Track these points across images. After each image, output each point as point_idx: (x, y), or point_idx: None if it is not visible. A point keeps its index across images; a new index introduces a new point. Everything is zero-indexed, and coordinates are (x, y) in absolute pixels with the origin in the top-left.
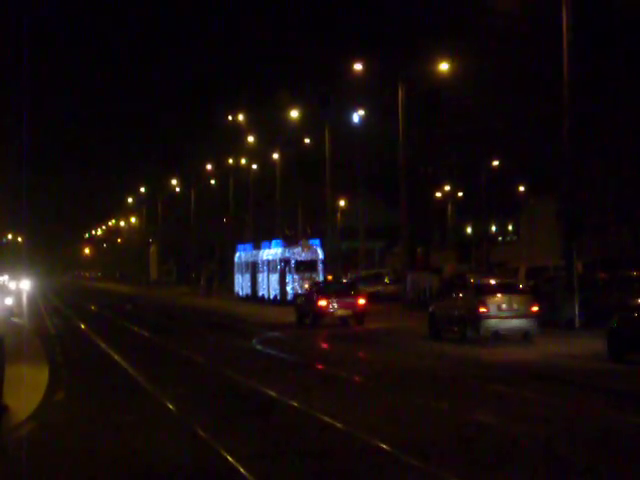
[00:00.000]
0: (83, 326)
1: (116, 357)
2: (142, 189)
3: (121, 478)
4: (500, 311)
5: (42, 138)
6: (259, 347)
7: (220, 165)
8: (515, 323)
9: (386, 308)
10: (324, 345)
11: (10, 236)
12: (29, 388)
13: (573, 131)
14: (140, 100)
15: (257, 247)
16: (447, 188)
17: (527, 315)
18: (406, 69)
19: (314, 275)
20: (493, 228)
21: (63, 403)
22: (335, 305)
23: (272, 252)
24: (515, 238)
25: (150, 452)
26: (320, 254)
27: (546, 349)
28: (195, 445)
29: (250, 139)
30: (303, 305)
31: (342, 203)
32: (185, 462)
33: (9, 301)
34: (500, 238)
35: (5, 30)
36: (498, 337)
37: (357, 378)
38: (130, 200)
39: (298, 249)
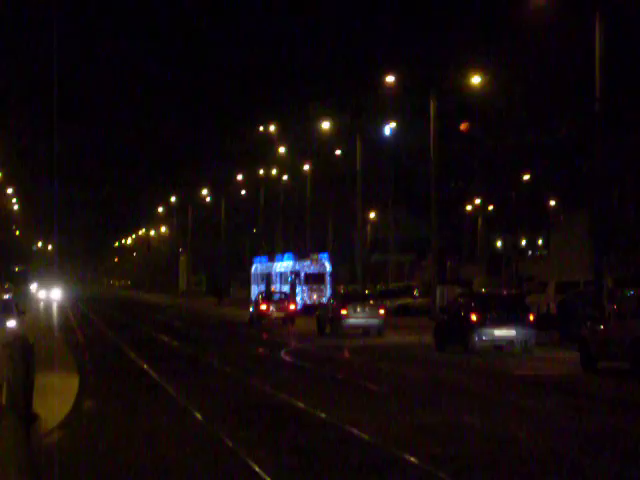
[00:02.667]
0: (112, 335)
1: (145, 366)
2: (173, 199)
3: None
4: (355, 313)
5: (73, 146)
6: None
7: (251, 176)
8: (365, 321)
9: (413, 321)
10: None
11: (40, 244)
12: (59, 396)
13: (604, 147)
14: (172, 110)
15: (271, 259)
16: (477, 201)
17: (376, 316)
18: (438, 82)
19: (322, 287)
20: (523, 242)
21: (93, 412)
22: (273, 309)
23: (284, 265)
24: (545, 253)
25: (180, 463)
26: (328, 267)
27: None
28: (224, 455)
29: (281, 150)
30: (253, 308)
31: (372, 215)
32: (215, 473)
33: (12, 324)
34: (530, 252)
35: (36, 33)
36: (360, 332)
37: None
38: (160, 210)
39: (307, 262)
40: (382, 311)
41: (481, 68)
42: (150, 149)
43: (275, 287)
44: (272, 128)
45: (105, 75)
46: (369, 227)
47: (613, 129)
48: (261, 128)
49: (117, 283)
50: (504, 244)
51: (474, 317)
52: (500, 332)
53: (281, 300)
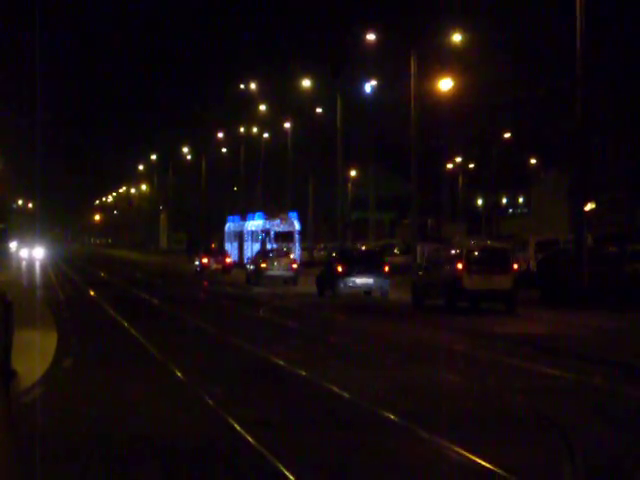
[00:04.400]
0: (92, 293)
1: (125, 324)
2: (153, 156)
3: (127, 443)
4: (273, 267)
5: (54, 104)
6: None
7: (232, 133)
8: (280, 273)
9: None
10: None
11: (20, 202)
12: (37, 354)
13: (585, 104)
14: (153, 67)
15: (243, 218)
16: (458, 159)
17: (289, 269)
18: (419, 39)
19: (291, 245)
20: (504, 200)
21: (71, 369)
22: (212, 261)
23: (255, 223)
24: (526, 211)
25: (157, 418)
26: (296, 226)
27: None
28: (202, 412)
29: (262, 108)
30: (198, 262)
31: (353, 173)
32: (189, 426)
33: None
34: (511, 210)
35: None
36: (273, 282)
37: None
38: (141, 167)
39: (277, 221)
40: (295, 265)
41: (463, 26)
42: (131, 106)
43: (246, 245)
44: (253, 86)
45: (86, 29)
46: (350, 185)
47: (594, 88)
48: (242, 86)
49: (98, 241)
50: (484, 202)
51: (340, 268)
52: (360, 280)
53: (220, 254)
